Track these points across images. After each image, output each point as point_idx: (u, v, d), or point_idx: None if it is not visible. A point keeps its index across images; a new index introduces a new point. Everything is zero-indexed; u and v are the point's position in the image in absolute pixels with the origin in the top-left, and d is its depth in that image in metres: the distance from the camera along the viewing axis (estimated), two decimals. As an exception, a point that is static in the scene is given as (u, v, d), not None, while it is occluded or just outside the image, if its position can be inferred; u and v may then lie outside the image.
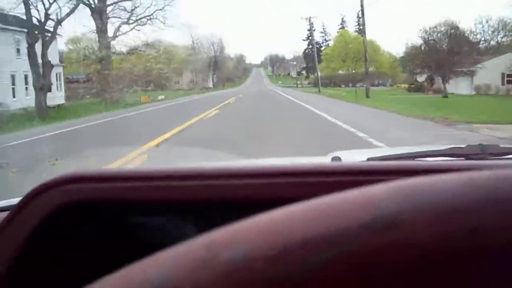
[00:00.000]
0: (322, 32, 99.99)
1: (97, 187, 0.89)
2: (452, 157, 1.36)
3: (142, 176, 0.91)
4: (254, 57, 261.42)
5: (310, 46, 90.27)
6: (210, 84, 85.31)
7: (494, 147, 1.40)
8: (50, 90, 25.39)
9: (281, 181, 0.87)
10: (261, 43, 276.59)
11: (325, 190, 0.60)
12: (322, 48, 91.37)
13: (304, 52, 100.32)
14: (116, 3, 35.52)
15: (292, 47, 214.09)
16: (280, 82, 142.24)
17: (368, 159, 1.29)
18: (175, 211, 0.95)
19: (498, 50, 48.42)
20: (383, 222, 0.31)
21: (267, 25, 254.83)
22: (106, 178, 0.91)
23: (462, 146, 1.40)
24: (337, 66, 73.23)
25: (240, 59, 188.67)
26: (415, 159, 1.35)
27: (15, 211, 0.87)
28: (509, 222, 0.31)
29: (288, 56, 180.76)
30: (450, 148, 1.42)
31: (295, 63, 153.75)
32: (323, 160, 1.58)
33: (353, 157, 1.65)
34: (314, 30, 78.74)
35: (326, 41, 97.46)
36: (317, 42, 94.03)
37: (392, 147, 3.86)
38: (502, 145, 1.43)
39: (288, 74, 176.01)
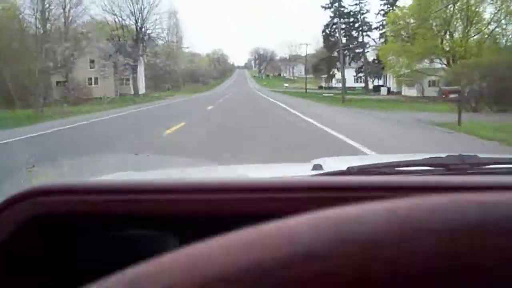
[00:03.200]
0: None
1: (67, 200, 0.90)
2: (432, 167, 1.36)
3: (113, 189, 0.92)
4: (238, 59, 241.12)
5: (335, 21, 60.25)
6: (141, 88, 53.34)
7: (473, 158, 1.41)
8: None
9: (252, 196, 0.90)
10: (245, 40, 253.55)
11: (297, 206, 0.72)
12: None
13: (326, 34, 67.55)
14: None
15: (283, 43, 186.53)
16: (265, 84, 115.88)
17: (348, 169, 1.31)
18: (148, 224, 0.93)
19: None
20: (303, 255, 0.31)
21: (251, 17, 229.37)
22: (76, 191, 0.91)
23: (442, 156, 1.41)
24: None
25: (218, 57, 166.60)
26: (395, 168, 1.35)
27: None
28: (428, 253, 0.31)
29: (280, 54, 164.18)
30: (429, 158, 1.42)
31: (289, 62, 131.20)
32: (304, 168, 1.61)
33: (334, 165, 1.62)
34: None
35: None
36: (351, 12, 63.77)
37: (374, 155, 4.30)
38: (481, 155, 1.45)
39: (279, 74, 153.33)
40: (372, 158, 2.69)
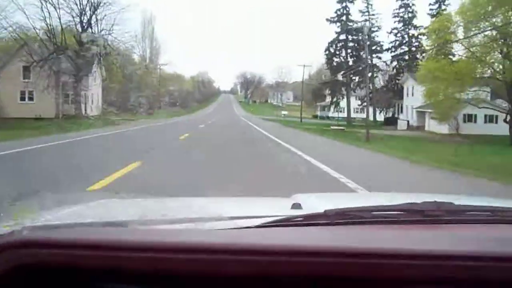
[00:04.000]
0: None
1: (49, 253, 0.91)
2: (409, 212, 1.37)
3: (95, 245, 0.94)
4: (224, 83, 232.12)
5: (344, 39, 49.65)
6: (95, 109, 41.85)
7: (449, 205, 1.41)
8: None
9: (227, 258, 0.94)
10: (232, 64, 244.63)
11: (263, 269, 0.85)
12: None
13: (330, 52, 55.71)
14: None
15: (273, 67, 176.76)
16: (252, 110, 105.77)
17: (325, 212, 1.30)
18: (129, 280, 0.95)
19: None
20: None
21: (239, 39, 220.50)
22: (57, 244, 0.93)
23: (418, 202, 1.40)
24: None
25: (203, 80, 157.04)
26: (371, 212, 1.36)
27: None
28: None
29: (268, 79, 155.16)
30: (406, 204, 1.42)
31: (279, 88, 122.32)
32: (284, 204, 1.64)
33: (313, 205, 1.62)
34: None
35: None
36: (361, 28, 53.46)
37: (354, 194, 4.41)
38: (456, 203, 1.45)
39: (266, 101, 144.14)
40: (351, 198, 2.69)
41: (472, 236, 1.25)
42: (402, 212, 1.38)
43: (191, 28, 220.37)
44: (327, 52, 53.16)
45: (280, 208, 1.62)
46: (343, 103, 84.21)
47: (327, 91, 53.92)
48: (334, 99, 54.30)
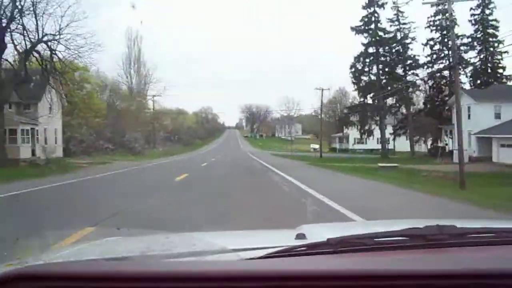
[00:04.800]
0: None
1: (47, 286, 0.94)
2: (411, 237, 1.37)
3: (95, 277, 0.95)
4: (229, 119, 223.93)
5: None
6: (49, 148, 30.98)
7: (451, 228, 1.39)
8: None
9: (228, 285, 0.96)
10: (237, 100, 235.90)
11: None
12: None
13: (356, 69, 44.50)
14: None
15: (280, 99, 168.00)
16: (260, 144, 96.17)
17: (328, 240, 1.32)
18: None
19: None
20: None
21: (243, 72, 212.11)
22: (56, 276, 0.95)
23: (420, 227, 1.39)
24: None
25: (207, 115, 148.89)
26: (374, 239, 1.37)
27: None
28: None
29: (275, 111, 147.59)
30: (408, 229, 1.42)
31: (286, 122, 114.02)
32: (289, 234, 1.66)
33: (317, 234, 1.62)
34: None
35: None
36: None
37: (356, 222, 4.30)
38: (458, 226, 1.42)
39: (273, 135, 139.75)
40: (354, 226, 2.78)
41: (476, 256, 1.29)
42: (404, 238, 1.37)
43: (194, 63, 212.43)
44: (352, 70, 42.89)
45: (284, 239, 1.63)
46: (356, 134, 74.82)
47: (354, 118, 43.28)
48: (366, 127, 43.55)
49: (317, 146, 42.59)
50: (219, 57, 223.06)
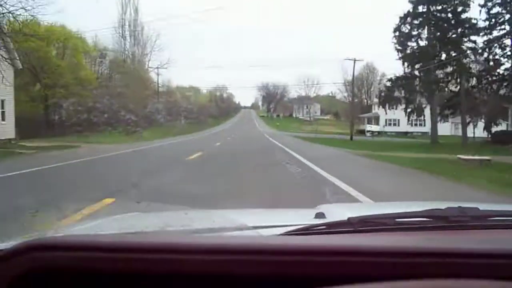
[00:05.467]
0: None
1: (65, 256, 0.92)
2: (432, 219, 1.37)
3: (111, 248, 0.94)
4: (245, 99, 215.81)
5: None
6: None
7: (473, 210, 1.40)
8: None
9: (248, 258, 0.92)
10: (254, 79, 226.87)
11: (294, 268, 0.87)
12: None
13: (401, 34, 34.47)
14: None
15: (295, 79, 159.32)
16: (278, 125, 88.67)
17: (349, 219, 1.32)
18: (150, 284, 0.94)
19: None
20: None
21: (261, 49, 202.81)
22: (74, 247, 0.94)
23: (442, 208, 1.39)
24: None
25: (222, 94, 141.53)
26: (395, 219, 1.37)
27: None
28: None
29: (293, 91, 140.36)
30: (430, 210, 1.41)
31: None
32: (308, 214, 1.70)
33: (336, 213, 1.65)
34: None
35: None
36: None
37: (376, 203, 4.08)
38: (481, 208, 1.42)
39: (290, 115, 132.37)
40: (374, 207, 2.67)
41: (497, 238, 1.28)
42: (425, 219, 1.37)
43: (209, 41, 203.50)
44: (397, 33, 34.25)
45: (304, 217, 1.66)
46: (388, 114, 66.18)
47: (399, 93, 34.70)
48: (414, 105, 34.94)
49: (373, 128, 33.63)
50: (235, 34, 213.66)
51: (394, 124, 67.47)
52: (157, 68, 56.79)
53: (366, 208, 2.51)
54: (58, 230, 1.33)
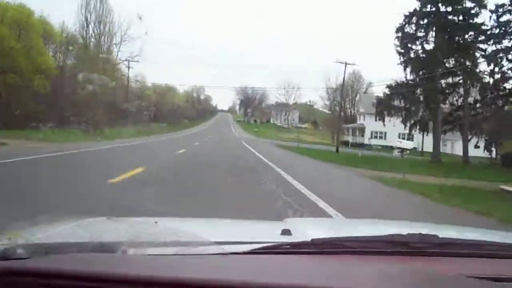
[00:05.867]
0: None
1: (37, 283, 0.98)
2: (393, 243, 1.39)
3: (83, 277, 0.99)
4: (222, 102, 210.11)
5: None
6: None
7: (433, 237, 1.42)
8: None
9: None
10: (231, 82, 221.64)
11: None
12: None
13: (405, 35, 29.70)
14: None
15: (275, 85, 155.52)
16: (256, 131, 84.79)
17: (312, 240, 1.35)
18: None
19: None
20: None
21: (240, 52, 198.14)
22: (40, 274, 1.00)
23: (403, 234, 1.42)
24: None
25: (199, 95, 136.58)
26: (358, 242, 1.41)
27: None
28: None
29: (272, 97, 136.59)
30: (391, 235, 1.43)
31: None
32: (274, 229, 1.65)
33: (302, 230, 1.62)
34: None
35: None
36: None
37: (341, 220, 4.15)
38: (441, 236, 1.45)
39: (267, 121, 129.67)
40: (340, 225, 2.70)
41: (452, 266, 1.33)
42: (386, 243, 1.39)
43: (186, 43, 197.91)
44: (399, 34, 29.84)
45: (270, 233, 1.65)
46: (375, 126, 62.26)
47: (399, 102, 30.22)
48: (418, 117, 30.53)
49: (404, 145, 28.46)
50: (214, 36, 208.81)
51: (380, 137, 63.45)
52: (127, 60, 51.38)
53: (332, 226, 2.44)
54: (28, 238, 1.30)
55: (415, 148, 61.69)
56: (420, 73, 29.70)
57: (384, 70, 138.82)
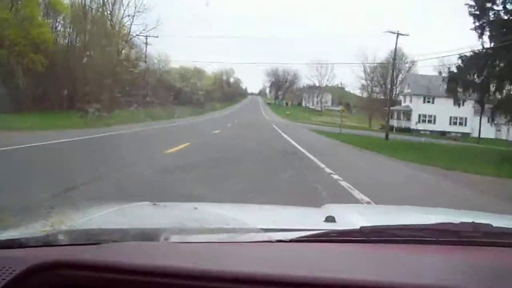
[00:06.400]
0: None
1: (85, 275, 0.99)
2: (445, 233, 1.35)
3: (131, 270, 0.99)
4: (252, 86, 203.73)
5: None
6: None
7: (486, 226, 1.38)
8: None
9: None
10: (261, 66, 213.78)
11: None
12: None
13: None
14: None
15: (306, 66, 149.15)
16: (288, 113, 79.42)
17: (361, 228, 1.31)
18: None
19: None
20: None
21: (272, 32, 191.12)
22: (94, 267, 1.01)
23: (456, 223, 1.38)
24: None
25: (228, 78, 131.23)
26: (408, 231, 1.37)
27: None
28: None
29: (304, 77, 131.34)
30: (443, 223, 1.40)
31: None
32: (316, 214, 1.71)
33: (347, 218, 1.62)
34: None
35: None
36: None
37: (384, 207, 3.66)
38: (494, 225, 1.39)
39: (299, 104, 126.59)
40: (385, 211, 2.38)
41: (507, 256, 1.31)
42: (438, 232, 1.35)
43: (218, 22, 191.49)
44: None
45: (313, 220, 1.66)
46: (423, 109, 55.41)
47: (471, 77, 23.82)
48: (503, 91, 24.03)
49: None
50: (245, 17, 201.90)
51: (429, 121, 56.63)
52: (144, 35, 45.62)
53: (376, 213, 2.28)
54: (72, 224, 1.32)
55: (468, 134, 55.16)
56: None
57: (427, 47, 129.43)
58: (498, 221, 1.55)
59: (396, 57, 35.15)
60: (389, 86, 74.75)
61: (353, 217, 1.65)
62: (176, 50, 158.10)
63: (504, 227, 1.47)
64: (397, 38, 34.03)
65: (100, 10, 35.93)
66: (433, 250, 1.28)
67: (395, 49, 34.64)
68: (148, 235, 1.24)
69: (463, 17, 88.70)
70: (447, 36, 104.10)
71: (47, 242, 1.14)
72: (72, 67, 31.34)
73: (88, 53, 33.34)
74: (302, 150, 16.51)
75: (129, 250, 1.14)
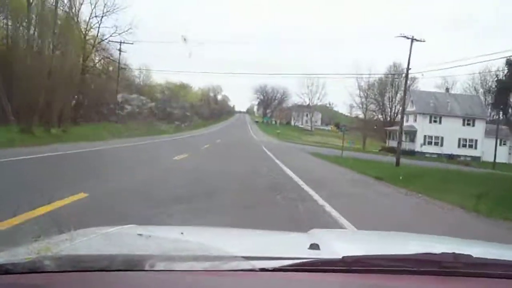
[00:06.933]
0: None
1: None
2: (426, 263, 1.37)
3: None
4: (240, 104, 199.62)
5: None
6: None
7: (467, 257, 1.40)
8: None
9: None
10: (249, 82, 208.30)
11: None
12: None
13: None
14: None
15: (300, 80, 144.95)
16: (278, 132, 75.20)
17: (343, 258, 1.34)
18: None
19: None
20: None
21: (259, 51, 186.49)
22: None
23: (437, 253, 1.40)
24: None
25: (215, 95, 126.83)
26: (389, 261, 1.39)
27: None
28: None
29: (293, 98, 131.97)
30: (425, 254, 1.42)
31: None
32: (301, 241, 1.68)
33: (331, 245, 1.65)
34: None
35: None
36: None
37: (369, 233, 3.53)
38: (475, 255, 1.42)
39: (288, 123, 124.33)
40: (369, 239, 2.38)
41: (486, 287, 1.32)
42: (419, 262, 1.38)
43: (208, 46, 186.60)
44: None
45: (297, 246, 1.68)
46: (429, 130, 50.18)
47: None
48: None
49: None
50: (235, 35, 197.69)
51: (436, 144, 51.04)
52: (117, 41, 39.82)
53: (360, 240, 2.31)
54: (53, 249, 1.33)
55: (478, 158, 49.86)
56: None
57: (426, 62, 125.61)
58: (480, 250, 1.58)
59: (408, 67, 29.94)
60: (383, 105, 70.24)
61: (337, 244, 1.68)
62: (160, 63, 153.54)
63: (484, 258, 1.48)
64: (411, 44, 28.88)
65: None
66: (414, 281, 1.30)
67: (409, 55, 29.45)
68: (134, 263, 1.23)
69: (460, 30, 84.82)
70: (447, 52, 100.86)
71: (33, 268, 1.16)
72: (16, 71, 25.31)
73: (39, 53, 27.37)
74: (316, 198, 10.50)
75: (114, 279, 1.16)
